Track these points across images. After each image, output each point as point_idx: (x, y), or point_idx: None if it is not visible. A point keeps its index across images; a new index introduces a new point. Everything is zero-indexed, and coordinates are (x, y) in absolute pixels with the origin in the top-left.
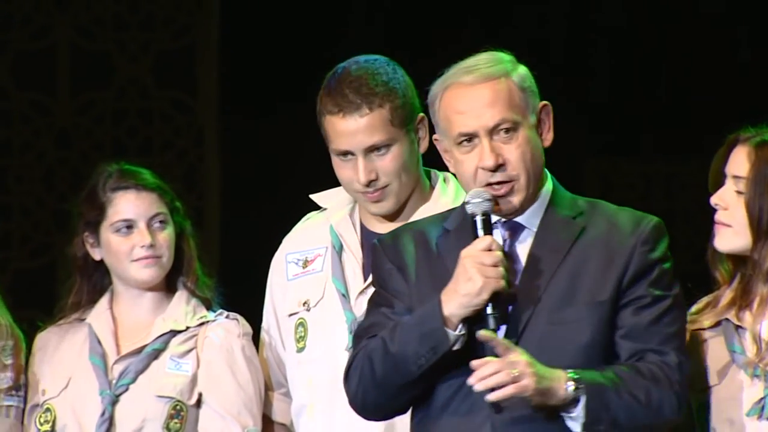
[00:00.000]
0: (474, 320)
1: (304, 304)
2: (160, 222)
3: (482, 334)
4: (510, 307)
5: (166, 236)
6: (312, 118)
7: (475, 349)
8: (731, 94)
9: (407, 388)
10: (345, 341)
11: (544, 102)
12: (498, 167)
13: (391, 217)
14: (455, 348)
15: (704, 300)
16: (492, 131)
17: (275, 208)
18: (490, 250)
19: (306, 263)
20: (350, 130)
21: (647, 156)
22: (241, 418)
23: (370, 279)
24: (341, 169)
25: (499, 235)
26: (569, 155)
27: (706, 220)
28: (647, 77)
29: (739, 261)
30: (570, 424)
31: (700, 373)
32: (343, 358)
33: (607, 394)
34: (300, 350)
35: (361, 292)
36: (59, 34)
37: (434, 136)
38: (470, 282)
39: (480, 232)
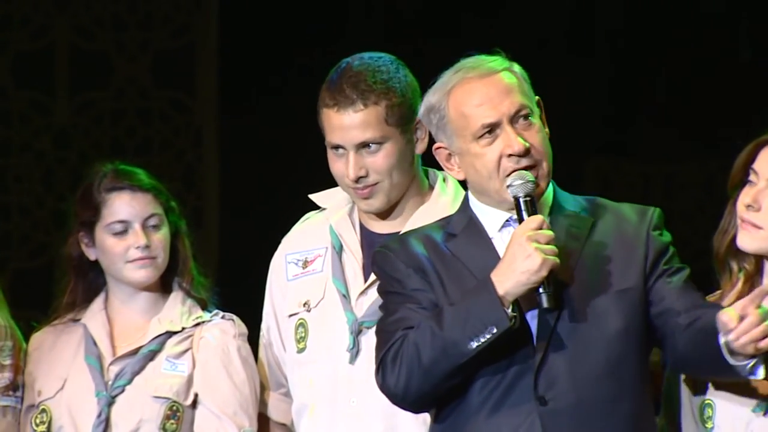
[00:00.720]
0: (522, 302)
1: (305, 304)
2: (155, 223)
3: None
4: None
5: (161, 237)
6: (311, 117)
7: (519, 336)
8: (731, 94)
9: (453, 374)
10: (346, 342)
11: (537, 96)
12: (526, 152)
13: (389, 216)
14: (514, 327)
15: (708, 298)
16: (513, 118)
17: (274, 208)
18: (541, 228)
19: (306, 263)
20: (344, 124)
21: (647, 156)
22: (237, 419)
23: (370, 279)
24: (334, 163)
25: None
26: (569, 155)
27: (705, 220)
28: (647, 77)
29: (745, 260)
30: (747, 374)
31: None
32: (344, 358)
33: None
34: (300, 351)
35: (362, 293)
36: (58, 33)
37: (435, 146)
38: (529, 259)
39: (524, 213)
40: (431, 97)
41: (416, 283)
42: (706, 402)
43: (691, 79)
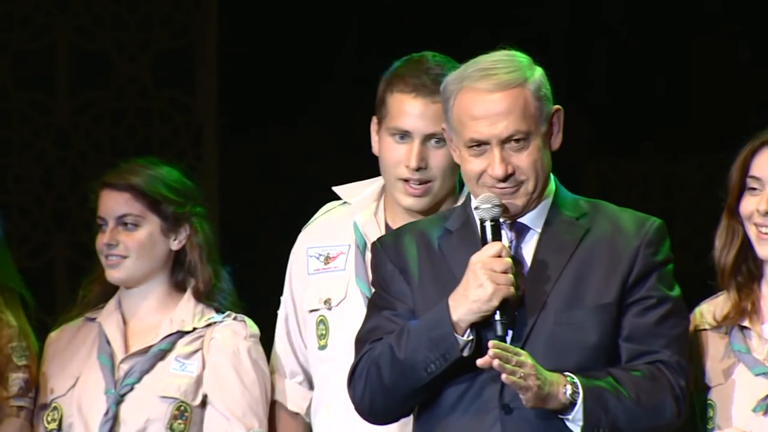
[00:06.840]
0: (481, 325)
1: (326, 302)
2: (130, 223)
3: (492, 344)
4: (517, 312)
5: (134, 237)
6: (313, 117)
7: (483, 352)
8: (731, 94)
9: (416, 394)
10: None
11: (557, 107)
12: (506, 178)
13: (419, 215)
14: (465, 354)
15: (717, 299)
16: (504, 141)
17: (275, 208)
18: (500, 256)
19: (328, 259)
20: (418, 112)
21: (647, 156)
22: (246, 420)
23: None
24: (392, 150)
25: (505, 236)
26: (569, 155)
27: (705, 220)
28: (647, 77)
29: (751, 266)
30: (571, 426)
31: (704, 372)
32: None
33: (604, 396)
34: (322, 348)
35: None
36: (58, 33)
37: (442, 125)
38: (481, 288)
39: (489, 238)
40: (450, 82)
41: (399, 285)
42: (708, 402)
43: (691, 79)
